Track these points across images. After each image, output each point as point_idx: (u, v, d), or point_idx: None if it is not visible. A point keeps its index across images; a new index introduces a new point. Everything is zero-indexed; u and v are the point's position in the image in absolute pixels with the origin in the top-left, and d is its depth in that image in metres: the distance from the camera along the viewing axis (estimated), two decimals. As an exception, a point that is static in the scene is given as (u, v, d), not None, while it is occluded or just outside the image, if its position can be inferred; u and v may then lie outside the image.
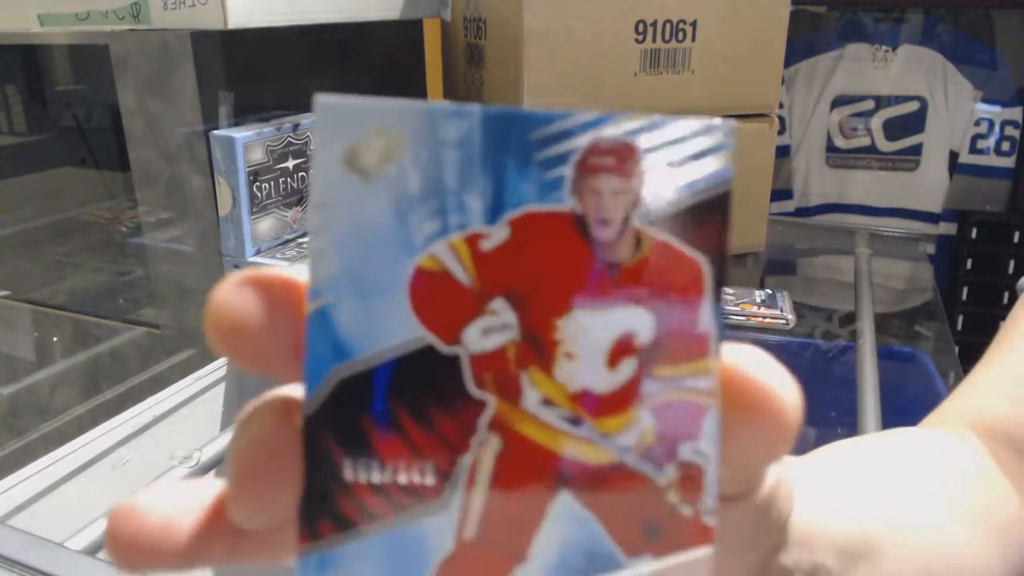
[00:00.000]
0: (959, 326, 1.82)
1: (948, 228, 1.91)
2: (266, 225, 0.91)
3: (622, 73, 0.90)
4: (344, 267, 0.15)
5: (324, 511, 0.15)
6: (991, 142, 1.85)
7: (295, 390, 0.15)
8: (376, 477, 0.15)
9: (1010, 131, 1.84)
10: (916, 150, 1.92)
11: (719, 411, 0.16)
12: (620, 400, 0.15)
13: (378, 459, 0.15)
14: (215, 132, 0.85)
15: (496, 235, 0.15)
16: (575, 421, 0.15)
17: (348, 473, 0.15)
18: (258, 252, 0.90)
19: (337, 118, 0.15)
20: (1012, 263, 1.79)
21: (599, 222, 0.15)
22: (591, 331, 0.15)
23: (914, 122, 1.91)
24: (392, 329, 0.15)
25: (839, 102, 1.94)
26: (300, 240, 0.96)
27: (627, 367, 0.15)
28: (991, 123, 1.85)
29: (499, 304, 0.15)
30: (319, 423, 0.15)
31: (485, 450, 0.15)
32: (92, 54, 1.00)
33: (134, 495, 0.15)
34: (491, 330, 0.15)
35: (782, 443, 0.16)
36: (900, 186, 1.94)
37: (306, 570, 0.15)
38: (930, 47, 1.87)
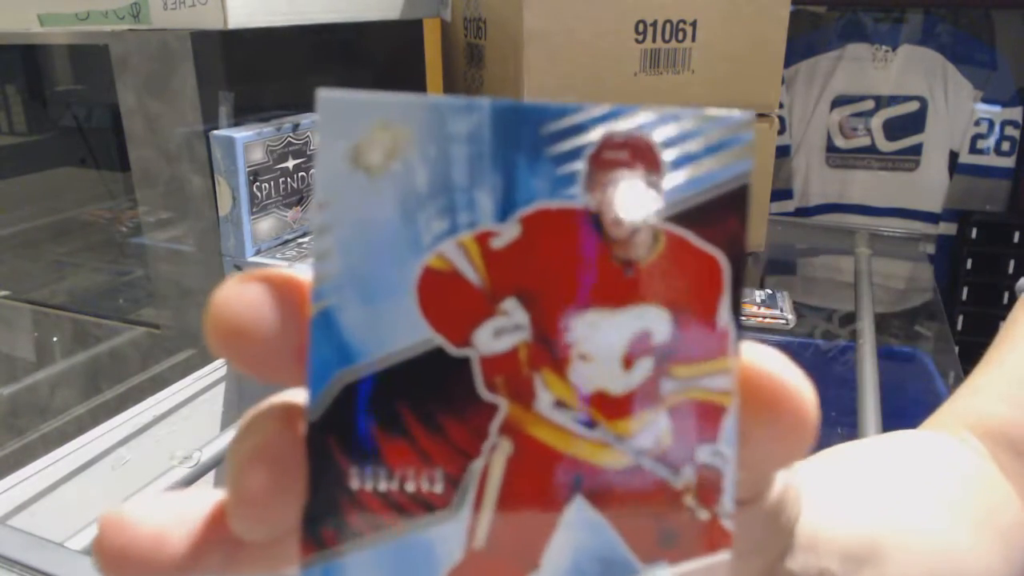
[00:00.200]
0: (959, 326, 1.82)
1: (948, 228, 1.91)
2: (266, 225, 0.91)
3: (622, 73, 0.90)
4: (349, 268, 0.14)
5: (329, 521, 0.14)
6: (991, 142, 1.85)
7: (298, 395, 0.15)
8: (383, 485, 0.14)
9: (1010, 131, 1.84)
10: (916, 150, 1.92)
11: (738, 412, 0.15)
12: (636, 401, 0.15)
13: (385, 466, 0.14)
14: (215, 132, 0.85)
15: (507, 233, 0.14)
16: (590, 424, 0.15)
17: (354, 481, 0.14)
18: (258, 252, 0.90)
19: (340, 113, 0.14)
20: (1012, 263, 1.79)
21: (613, 218, 0.15)
22: (606, 331, 0.15)
23: (914, 122, 1.91)
24: (399, 331, 0.14)
25: (839, 102, 1.94)
26: (300, 240, 0.96)
27: (643, 367, 0.15)
28: (991, 123, 1.85)
29: (510, 304, 0.15)
30: (323, 430, 0.14)
31: (496, 455, 0.15)
32: (92, 54, 1.00)
33: (123, 505, 0.15)
34: (502, 331, 0.15)
35: (801, 445, 0.16)
36: (900, 186, 1.94)
37: None
38: (930, 47, 1.87)
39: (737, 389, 0.15)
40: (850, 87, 1.92)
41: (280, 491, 0.14)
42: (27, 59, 1.18)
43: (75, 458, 0.66)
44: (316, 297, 0.14)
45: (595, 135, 0.14)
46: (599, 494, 0.15)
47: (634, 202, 0.15)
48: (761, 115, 0.97)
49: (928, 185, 1.92)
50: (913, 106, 1.90)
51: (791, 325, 0.82)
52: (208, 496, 0.16)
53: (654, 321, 0.15)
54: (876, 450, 0.33)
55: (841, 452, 0.31)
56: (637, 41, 0.89)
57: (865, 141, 1.95)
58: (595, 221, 0.15)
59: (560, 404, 0.15)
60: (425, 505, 0.15)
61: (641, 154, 0.15)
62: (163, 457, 0.71)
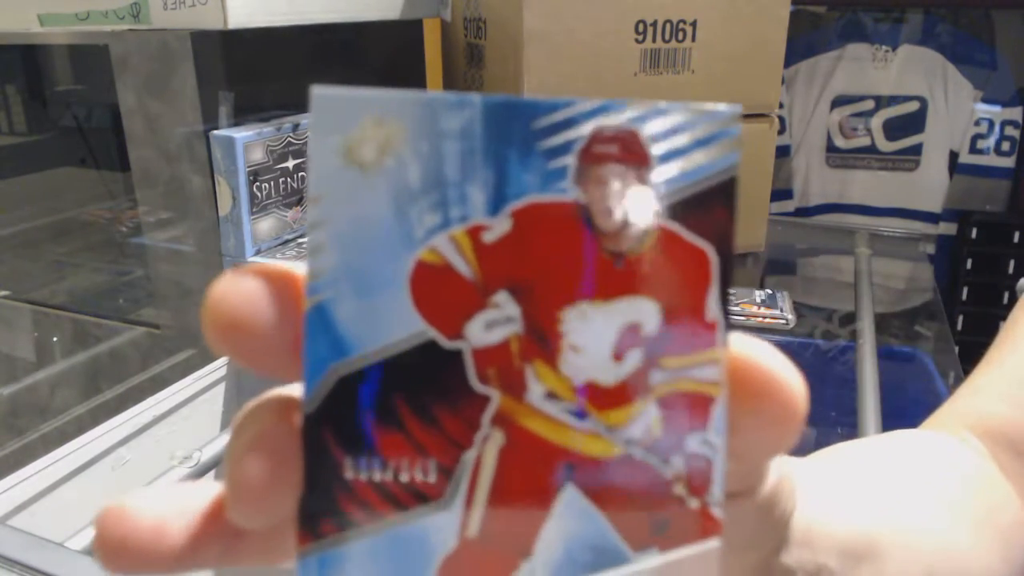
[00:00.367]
0: (959, 326, 1.82)
1: (948, 228, 1.91)
2: (266, 225, 0.91)
3: (622, 73, 0.90)
4: (343, 262, 0.14)
5: (325, 511, 0.15)
6: (991, 142, 1.85)
7: (295, 390, 0.15)
8: (377, 475, 0.15)
9: (1010, 131, 1.84)
10: (916, 150, 1.92)
11: (727, 402, 0.15)
12: (626, 392, 0.15)
13: (379, 457, 0.15)
14: (215, 132, 0.85)
15: (498, 227, 0.15)
16: (580, 414, 0.15)
17: (349, 472, 0.15)
18: (258, 252, 0.90)
19: (334, 110, 0.14)
20: (1012, 263, 1.79)
21: (603, 211, 0.15)
22: (596, 323, 0.15)
23: (914, 122, 1.91)
24: (393, 324, 0.15)
25: (839, 102, 1.94)
26: (300, 240, 0.96)
27: (633, 358, 0.15)
28: (991, 123, 1.85)
29: (502, 297, 0.15)
30: (319, 421, 0.15)
31: (489, 446, 0.15)
32: (92, 54, 1.00)
33: (124, 497, 0.15)
34: (494, 324, 0.15)
35: (788, 434, 0.16)
36: (900, 186, 1.94)
37: (306, 571, 0.15)
38: (930, 47, 1.87)
39: (726, 379, 0.15)
40: (850, 87, 1.92)
41: (277, 481, 0.14)
42: (27, 59, 1.18)
43: (75, 458, 0.66)
44: (311, 291, 0.14)
45: (585, 130, 0.15)
46: (590, 483, 0.15)
47: (623, 196, 0.15)
48: (761, 115, 0.97)
49: (928, 185, 1.92)
50: (913, 106, 1.90)
51: (791, 325, 0.82)
52: (208, 488, 0.16)
53: (644, 313, 0.15)
54: (875, 449, 0.33)
55: (840, 451, 0.31)
56: (637, 41, 0.89)
57: (865, 141, 1.95)
58: (585, 214, 0.15)
59: (551, 395, 0.15)
60: (419, 495, 0.15)
61: (630, 148, 0.15)
62: (163, 457, 0.71)
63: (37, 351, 1.06)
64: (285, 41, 0.96)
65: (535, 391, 0.15)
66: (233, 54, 0.90)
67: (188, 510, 0.15)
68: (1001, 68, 1.84)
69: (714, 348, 0.15)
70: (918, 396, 0.82)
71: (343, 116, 0.14)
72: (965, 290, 1.83)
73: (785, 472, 0.20)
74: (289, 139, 0.91)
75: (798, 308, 0.87)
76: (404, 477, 0.15)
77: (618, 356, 0.15)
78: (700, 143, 0.15)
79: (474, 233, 0.15)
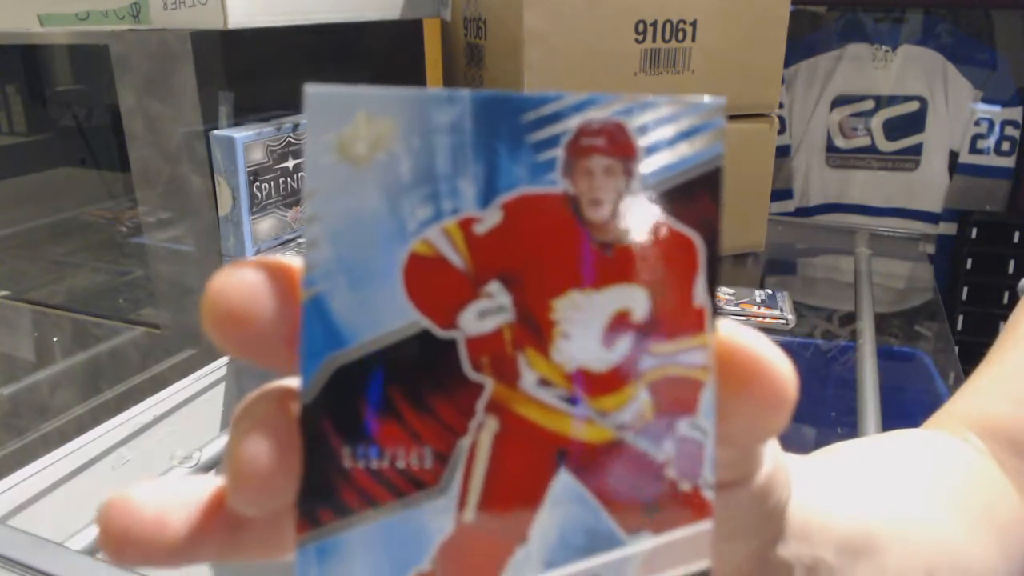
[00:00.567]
0: (959, 326, 1.82)
1: (948, 228, 1.91)
2: (266, 225, 0.91)
3: (622, 73, 0.90)
4: (337, 255, 0.15)
5: (323, 499, 0.15)
6: (991, 142, 1.85)
7: (293, 382, 0.15)
8: (375, 463, 0.15)
9: (1010, 131, 1.84)
10: (916, 150, 1.92)
11: (715, 386, 0.16)
12: (617, 378, 0.15)
13: (376, 445, 0.15)
14: (215, 132, 0.85)
15: (489, 219, 0.15)
16: (573, 400, 0.15)
17: (347, 460, 0.15)
18: (258, 252, 0.90)
19: (327, 108, 0.15)
20: (1012, 263, 1.79)
21: (591, 203, 0.15)
22: (586, 310, 0.15)
23: (914, 122, 1.91)
24: (387, 315, 0.15)
25: (839, 102, 1.94)
26: (300, 240, 0.96)
27: (623, 345, 0.15)
28: (991, 123, 1.85)
29: (494, 287, 0.15)
30: (316, 411, 0.15)
31: (483, 433, 0.15)
32: (92, 54, 1.00)
33: (127, 488, 0.15)
34: (487, 313, 0.15)
35: (777, 417, 0.16)
36: (900, 186, 1.94)
37: (305, 559, 0.15)
38: (930, 47, 1.87)
39: (714, 364, 0.16)
40: (850, 87, 1.92)
41: (276, 466, 0.15)
42: (27, 59, 1.18)
43: (75, 458, 0.66)
44: (307, 284, 0.15)
45: (572, 123, 0.15)
46: (583, 468, 0.15)
47: (611, 186, 0.15)
48: (761, 115, 0.97)
49: (928, 185, 1.92)
50: (913, 106, 1.90)
51: (791, 325, 0.82)
52: (209, 481, 0.16)
53: (633, 300, 0.15)
54: (875, 446, 0.33)
55: (840, 448, 0.31)
56: (637, 41, 0.89)
57: (865, 141, 1.95)
58: (574, 205, 0.15)
59: (544, 382, 0.15)
60: (416, 482, 0.15)
61: (617, 140, 0.15)
62: (163, 457, 0.71)
63: (37, 351, 1.06)
64: (285, 41, 0.96)
65: (528, 378, 0.15)
66: (233, 54, 0.90)
67: (189, 502, 0.15)
68: (1001, 68, 1.84)
69: (702, 334, 0.15)
70: (918, 396, 0.82)
71: (336, 113, 0.15)
72: (965, 290, 1.83)
73: (779, 462, 0.20)
74: (289, 139, 0.91)
75: (798, 308, 0.87)
76: (401, 464, 0.15)
77: (609, 343, 0.15)
78: (685, 135, 0.15)
79: (466, 225, 0.15)
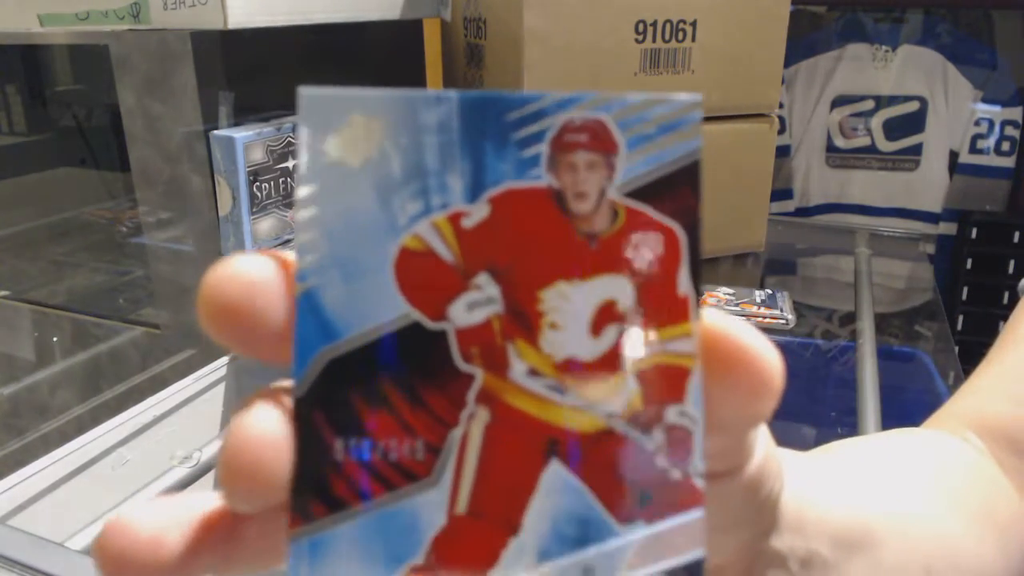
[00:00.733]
0: (959, 326, 1.82)
1: (948, 228, 1.91)
2: (266, 225, 0.91)
3: (622, 73, 0.90)
4: (330, 250, 0.15)
5: (315, 492, 0.15)
6: (991, 142, 1.85)
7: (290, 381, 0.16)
8: (367, 456, 0.15)
9: (1010, 131, 1.84)
10: (916, 150, 1.92)
11: (702, 373, 0.16)
12: (605, 367, 0.16)
13: (369, 438, 0.15)
14: (215, 132, 0.85)
15: (477, 213, 0.16)
16: (562, 390, 0.16)
17: (339, 453, 0.15)
18: (258, 252, 0.90)
19: (320, 108, 0.15)
20: (1012, 263, 1.79)
21: (576, 196, 0.16)
22: (573, 301, 0.16)
23: (914, 122, 1.91)
24: (379, 308, 0.15)
25: (839, 102, 1.94)
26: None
27: (611, 334, 0.16)
28: (991, 123, 1.85)
29: (483, 279, 0.16)
30: (309, 404, 0.15)
31: (474, 423, 0.15)
32: (92, 54, 1.00)
33: (123, 509, 0.15)
34: (476, 304, 0.16)
35: (763, 401, 0.17)
36: (900, 186, 1.94)
37: (297, 554, 0.15)
38: (930, 47, 1.87)
39: (700, 352, 0.16)
40: (850, 87, 1.92)
41: (269, 463, 0.15)
42: (27, 59, 1.18)
43: (75, 458, 0.66)
44: (300, 278, 0.15)
45: (555, 120, 0.16)
46: (574, 457, 0.16)
47: (594, 180, 0.16)
48: (761, 115, 0.97)
49: (928, 185, 1.92)
50: (913, 106, 1.90)
51: (791, 325, 0.82)
52: (204, 499, 0.16)
53: (619, 290, 0.16)
54: (874, 444, 0.33)
55: (838, 446, 0.31)
56: (637, 41, 0.89)
57: (865, 141, 1.95)
58: (559, 199, 0.16)
59: (533, 372, 0.16)
60: (408, 474, 0.15)
61: (599, 136, 0.16)
62: (163, 457, 0.71)
63: (37, 351, 1.06)
64: (285, 41, 0.96)
65: (518, 368, 0.16)
66: (233, 54, 0.90)
67: (184, 520, 0.16)
68: (1001, 68, 1.84)
69: (687, 322, 0.16)
70: (918, 396, 0.82)
71: (329, 114, 0.15)
72: (965, 290, 1.83)
73: (771, 453, 0.20)
74: (289, 139, 0.91)
75: (798, 308, 0.87)
76: (393, 457, 0.15)
77: (596, 332, 0.16)
78: (664, 129, 0.16)
79: (454, 219, 0.15)
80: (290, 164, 0.92)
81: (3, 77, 1.18)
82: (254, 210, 0.89)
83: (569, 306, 0.16)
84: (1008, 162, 1.85)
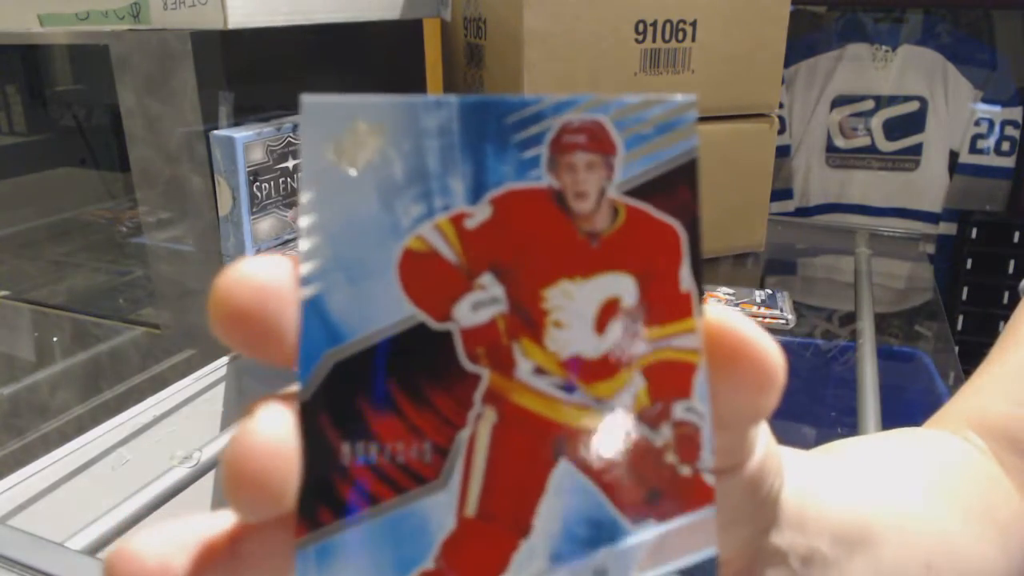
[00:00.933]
0: (959, 326, 1.81)
1: (948, 228, 1.91)
2: (266, 225, 0.91)
3: (622, 73, 0.90)
4: (334, 254, 0.15)
5: (322, 498, 0.15)
6: (991, 142, 1.85)
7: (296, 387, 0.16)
8: (374, 459, 0.15)
9: (1010, 131, 1.84)
10: (916, 150, 1.92)
11: (707, 368, 0.16)
12: (611, 364, 0.16)
13: (376, 441, 0.15)
14: (215, 132, 0.85)
15: (479, 214, 0.16)
16: (568, 388, 0.16)
17: (346, 457, 0.15)
18: (258, 252, 0.90)
19: (322, 115, 0.15)
20: (1012, 263, 1.79)
21: (576, 195, 0.16)
22: (577, 299, 0.16)
23: (914, 122, 1.91)
24: (384, 310, 0.15)
25: (839, 102, 1.94)
26: (300, 237, 0.96)
27: (615, 331, 0.16)
28: (991, 123, 1.85)
29: (487, 279, 0.16)
30: (315, 408, 0.15)
31: (482, 423, 0.15)
32: (92, 54, 1.00)
33: (128, 539, 0.15)
34: (480, 304, 0.16)
35: (766, 396, 0.17)
36: (900, 186, 1.94)
37: (305, 562, 0.15)
38: (930, 47, 1.87)
39: (704, 347, 0.16)
40: (850, 87, 1.92)
41: (275, 470, 0.14)
42: (27, 59, 1.18)
43: (75, 458, 0.66)
44: (305, 282, 0.15)
45: (553, 122, 0.16)
46: (583, 456, 0.16)
47: (594, 180, 0.16)
48: (761, 115, 0.97)
49: (928, 185, 1.92)
50: (913, 106, 1.90)
51: (791, 325, 0.82)
52: (206, 520, 0.16)
53: (622, 287, 0.16)
54: (874, 443, 0.33)
55: (838, 445, 0.31)
56: (637, 41, 0.89)
57: (865, 141, 1.95)
58: (560, 199, 0.16)
59: (539, 370, 0.16)
60: (416, 477, 0.15)
61: (597, 137, 0.16)
62: (163, 457, 0.71)
63: (37, 351, 1.06)
64: (285, 41, 0.96)
65: (523, 367, 0.16)
66: (233, 54, 0.90)
67: (190, 544, 0.16)
68: (1001, 68, 1.84)
69: (691, 317, 0.16)
70: (918, 396, 0.82)
71: (331, 121, 0.15)
72: (965, 290, 1.83)
73: (771, 450, 0.20)
74: (289, 139, 0.91)
75: (798, 308, 0.87)
76: (401, 459, 0.15)
77: (600, 329, 0.16)
78: (661, 130, 0.16)
79: (457, 220, 0.16)
80: (290, 164, 0.92)
81: (3, 77, 1.18)
82: (254, 210, 0.89)
83: (573, 304, 0.16)
84: (1008, 162, 1.85)
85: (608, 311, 0.16)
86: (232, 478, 0.14)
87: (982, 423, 0.34)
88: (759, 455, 0.20)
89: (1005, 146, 1.84)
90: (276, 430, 0.15)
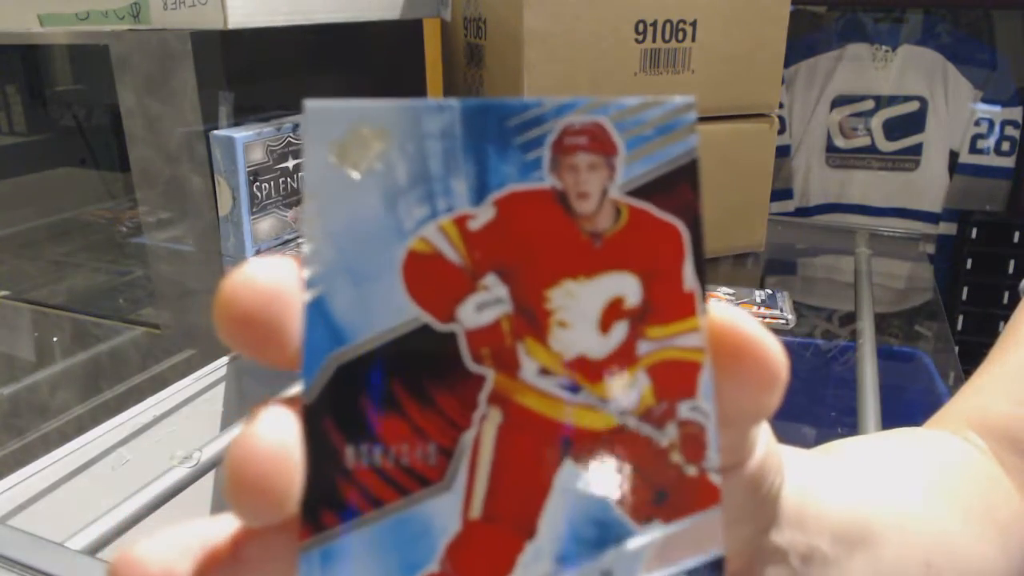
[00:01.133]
0: (959, 326, 1.81)
1: (948, 228, 1.91)
2: (266, 225, 0.91)
3: (622, 73, 0.90)
4: (338, 257, 0.15)
5: (326, 501, 0.15)
6: (991, 142, 1.85)
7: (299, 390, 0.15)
8: (378, 461, 0.15)
9: (1010, 131, 1.84)
10: (916, 150, 1.92)
11: (712, 367, 0.16)
12: (616, 363, 0.16)
13: (380, 443, 0.15)
14: (215, 132, 0.85)
15: (483, 215, 0.16)
16: (573, 388, 0.16)
17: (350, 460, 0.15)
18: (258, 252, 0.90)
19: (325, 120, 0.15)
20: (1012, 263, 1.78)
21: (579, 196, 0.16)
22: (581, 299, 0.16)
23: (914, 122, 1.91)
24: (388, 312, 0.15)
25: (839, 102, 1.94)
26: (301, 240, 0.96)
27: (619, 331, 0.16)
28: (991, 123, 1.85)
29: (491, 280, 0.16)
30: (319, 411, 0.15)
31: (487, 424, 0.15)
32: (92, 54, 1.00)
33: (133, 546, 0.15)
34: (485, 305, 0.16)
35: (769, 394, 0.17)
36: (900, 186, 1.94)
37: (309, 565, 0.15)
38: (930, 47, 1.86)
39: (708, 346, 0.16)
40: (850, 87, 1.92)
41: (278, 474, 0.14)
42: (27, 59, 1.18)
43: (75, 458, 0.66)
44: (308, 285, 0.15)
45: (555, 124, 0.16)
46: (588, 456, 0.16)
47: (596, 180, 0.16)
48: (761, 115, 0.97)
49: (928, 185, 1.92)
50: (913, 106, 1.90)
51: (791, 325, 0.82)
52: (208, 525, 0.16)
53: (626, 287, 0.16)
54: (874, 443, 0.33)
55: (838, 445, 0.31)
56: (637, 41, 0.89)
57: (865, 141, 1.95)
58: (562, 199, 0.16)
59: (544, 371, 0.16)
60: (421, 479, 0.15)
61: (599, 138, 0.16)
62: (163, 457, 0.71)
63: (37, 351, 1.06)
64: (285, 41, 0.96)
65: (528, 368, 0.16)
66: (233, 54, 0.90)
67: (194, 548, 0.16)
68: (1001, 68, 1.83)
69: (695, 316, 0.16)
70: (918, 396, 0.82)
71: (334, 126, 0.15)
72: (965, 290, 1.83)
73: (771, 448, 0.20)
74: (289, 139, 0.91)
75: (798, 308, 0.87)
76: (405, 461, 0.15)
77: (604, 329, 0.16)
78: (661, 131, 0.16)
79: (460, 222, 0.16)
80: (290, 164, 0.92)
81: (3, 77, 1.18)
82: (254, 210, 0.89)
83: (577, 304, 0.16)
84: (1008, 162, 1.85)
85: (612, 311, 0.16)
86: (234, 483, 0.14)
87: (982, 423, 0.34)
88: (760, 454, 0.20)
89: (1005, 146, 1.84)
90: (278, 434, 0.15)
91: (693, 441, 0.16)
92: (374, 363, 0.15)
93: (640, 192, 0.16)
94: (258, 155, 0.87)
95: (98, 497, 0.67)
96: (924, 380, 0.80)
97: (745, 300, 0.87)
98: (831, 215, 1.98)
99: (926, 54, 1.87)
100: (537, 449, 0.15)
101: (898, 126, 1.91)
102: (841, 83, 1.93)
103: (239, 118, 0.90)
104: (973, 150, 1.86)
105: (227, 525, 0.16)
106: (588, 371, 0.16)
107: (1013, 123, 1.84)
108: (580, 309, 0.16)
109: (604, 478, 0.15)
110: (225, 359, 0.83)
